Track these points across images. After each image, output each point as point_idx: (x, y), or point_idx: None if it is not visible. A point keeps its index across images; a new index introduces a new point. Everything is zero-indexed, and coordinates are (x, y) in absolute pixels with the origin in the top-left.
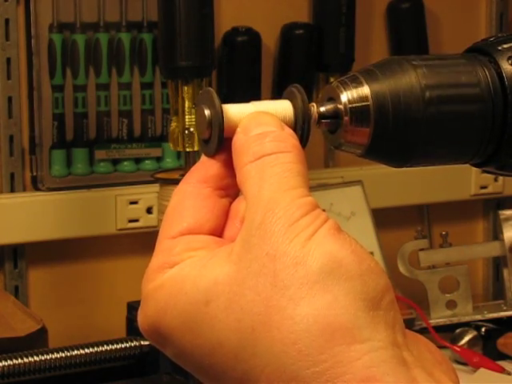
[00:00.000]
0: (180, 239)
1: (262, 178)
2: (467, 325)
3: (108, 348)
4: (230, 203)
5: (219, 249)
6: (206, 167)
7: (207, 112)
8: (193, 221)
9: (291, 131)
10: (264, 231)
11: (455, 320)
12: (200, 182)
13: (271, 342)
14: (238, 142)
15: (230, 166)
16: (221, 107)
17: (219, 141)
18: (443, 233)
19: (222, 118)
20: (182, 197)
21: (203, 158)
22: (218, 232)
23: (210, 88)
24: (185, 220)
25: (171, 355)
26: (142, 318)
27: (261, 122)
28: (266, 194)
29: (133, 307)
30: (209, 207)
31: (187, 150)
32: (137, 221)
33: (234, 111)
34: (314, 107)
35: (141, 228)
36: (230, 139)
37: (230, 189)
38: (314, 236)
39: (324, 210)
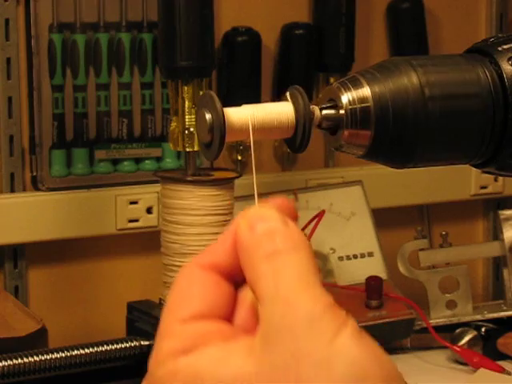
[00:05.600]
0: (193, 325)
1: (277, 277)
2: (467, 325)
3: (108, 348)
4: (237, 290)
5: (237, 343)
6: (216, 254)
7: (208, 116)
8: (204, 306)
9: (295, 226)
10: (285, 330)
11: (455, 320)
12: (210, 267)
13: None
14: (244, 238)
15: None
16: (222, 112)
17: (220, 145)
18: (443, 233)
19: (224, 122)
20: (190, 280)
21: (213, 244)
22: (228, 319)
23: (211, 91)
24: (195, 304)
25: None
26: None
27: (264, 217)
28: (284, 292)
29: (133, 307)
30: (218, 294)
31: (187, 149)
32: (137, 221)
33: (235, 115)
34: (314, 109)
35: (141, 228)
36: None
37: (238, 276)
38: (338, 338)
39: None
